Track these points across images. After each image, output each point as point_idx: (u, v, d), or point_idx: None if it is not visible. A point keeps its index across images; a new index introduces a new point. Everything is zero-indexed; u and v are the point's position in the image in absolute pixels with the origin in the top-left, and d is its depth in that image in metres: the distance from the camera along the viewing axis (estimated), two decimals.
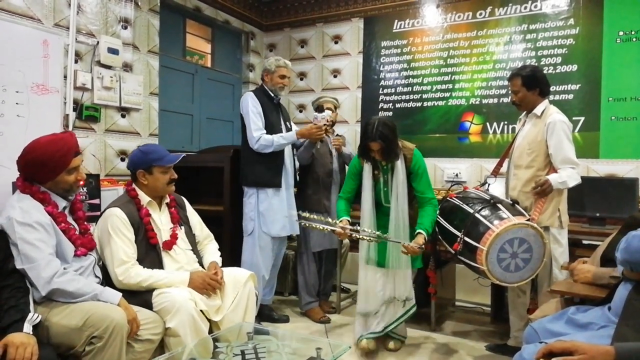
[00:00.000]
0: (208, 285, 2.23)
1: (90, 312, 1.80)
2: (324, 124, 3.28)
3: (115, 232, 2.15)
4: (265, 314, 3.39)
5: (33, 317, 1.73)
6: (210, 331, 2.18)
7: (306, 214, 2.82)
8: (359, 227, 2.80)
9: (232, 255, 3.39)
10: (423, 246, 2.65)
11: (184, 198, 2.63)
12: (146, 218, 2.27)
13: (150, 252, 2.25)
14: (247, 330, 2.09)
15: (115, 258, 2.12)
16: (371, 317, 2.90)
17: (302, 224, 2.79)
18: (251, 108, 3.26)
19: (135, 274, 2.12)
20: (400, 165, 2.81)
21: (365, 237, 2.73)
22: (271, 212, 3.28)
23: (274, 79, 3.36)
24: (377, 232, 2.70)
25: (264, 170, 3.27)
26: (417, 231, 2.72)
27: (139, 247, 2.21)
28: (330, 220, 2.86)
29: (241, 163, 3.38)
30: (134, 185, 2.34)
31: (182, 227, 2.46)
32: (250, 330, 2.09)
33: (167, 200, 2.44)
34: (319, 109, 3.52)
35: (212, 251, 2.55)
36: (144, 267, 2.18)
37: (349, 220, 2.87)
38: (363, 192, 2.88)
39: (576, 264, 2.15)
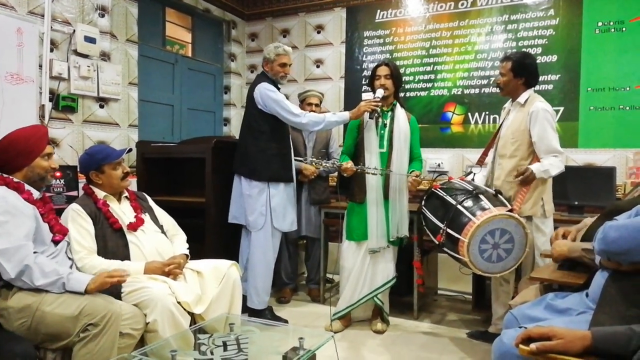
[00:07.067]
0: (165, 273, 2.23)
1: (86, 300, 1.83)
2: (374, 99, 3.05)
3: (73, 224, 2.20)
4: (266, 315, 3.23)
5: None
6: (195, 324, 2.16)
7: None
8: (362, 166, 3.01)
9: (215, 247, 3.36)
10: (421, 176, 3.01)
11: (145, 194, 2.66)
12: (104, 207, 2.32)
13: (115, 238, 2.27)
14: (231, 322, 2.07)
15: (72, 249, 2.17)
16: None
17: (310, 162, 3.23)
18: (278, 94, 3.13)
19: (90, 266, 2.13)
20: (402, 114, 3.10)
21: (370, 172, 2.97)
22: (282, 207, 3.22)
23: (274, 67, 3.23)
24: (381, 168, 3.00)
25: (279, 164, 3.19)
26: (411, 170, 3.05)
27: (103, 234, 2.25)
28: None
29: (247, 158, 3.20)
30: (89, 185, 2.40)
31: (147, 214, 2.49)
32: (234, 321, 2.08)
33: (126, 194, 2.49)
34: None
35: (178, 243, 2.54)
36: (110, 253, 2.21)
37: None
38: (366, 133, 3.08)
39: (554, 236, 2.18)
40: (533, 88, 2.87)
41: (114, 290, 2.04)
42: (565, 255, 2.00)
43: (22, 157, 2.02)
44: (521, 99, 2.80)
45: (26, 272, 1.84)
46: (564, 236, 2.14)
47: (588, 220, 2.14)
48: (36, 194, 2.05)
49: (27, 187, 2.02)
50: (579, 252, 1.91)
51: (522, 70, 2.78)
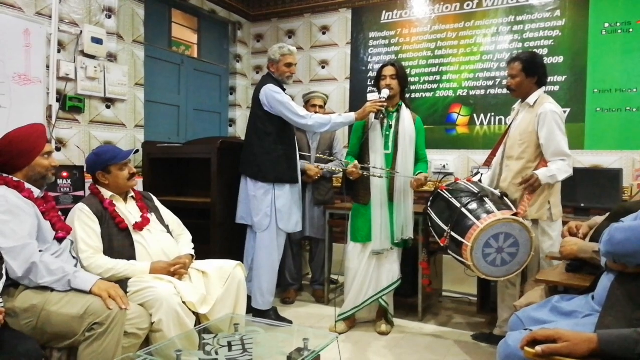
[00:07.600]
0: (171, 273, 2.23)
1: (92, 300, 1.84)
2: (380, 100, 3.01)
3: (79, 223, 2.21)
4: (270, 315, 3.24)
5: None
6: (200, 324, 2.16)
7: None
8: (369, 166, 3.01)
9: (220, 248, 3.37)
10: (427, 177, 3.02)
11: (151, 194, 2.67)
12: (110, 207, 2.32)
13: (121, 238, 2.28)
14: (236, 322, 2.08)
15: (78, 248, 2.17)
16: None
17: (316, 165, 3.33)
18: (284, 95, 3.14)
19: (96, 266, 2.14)
20: (407, 115, 3.10)
21: (376, 174, 2.98)
22: (287, 208, 3.22)
23: (280, 68, 3.24)
24: (387, 169, 3.00)
25: (285, 166, 3.19)
26: (418, 172, 3.05)
27: (109, 234, 2.26)
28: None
29: (253, 159, 3.20)
30: (96, 185, 2.41)
31: (153, 214, 2.50)
32: (239, 321, 2.08)
33: (132, 194, 2.49)
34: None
35: (184, 243, 2.54)
36: (116, 253, 2.22)
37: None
38: (371, 134, 3.07)
39: (566, 230, 2.16)
40: (544, 88, 2.83)
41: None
42: (574, 254, 1.98)
43: (22, 157, 2.01)
44: (530, 99, 2.76)
45: (33, 270, 1.85)
46: (577, 229, 2.12)
47: (599, 218, 2.12)
48: (37, 192, 2.05)
49: (27, 185, 2.02)
50: (589, 254, 1.89)
51: (534, 69, 2.73)
